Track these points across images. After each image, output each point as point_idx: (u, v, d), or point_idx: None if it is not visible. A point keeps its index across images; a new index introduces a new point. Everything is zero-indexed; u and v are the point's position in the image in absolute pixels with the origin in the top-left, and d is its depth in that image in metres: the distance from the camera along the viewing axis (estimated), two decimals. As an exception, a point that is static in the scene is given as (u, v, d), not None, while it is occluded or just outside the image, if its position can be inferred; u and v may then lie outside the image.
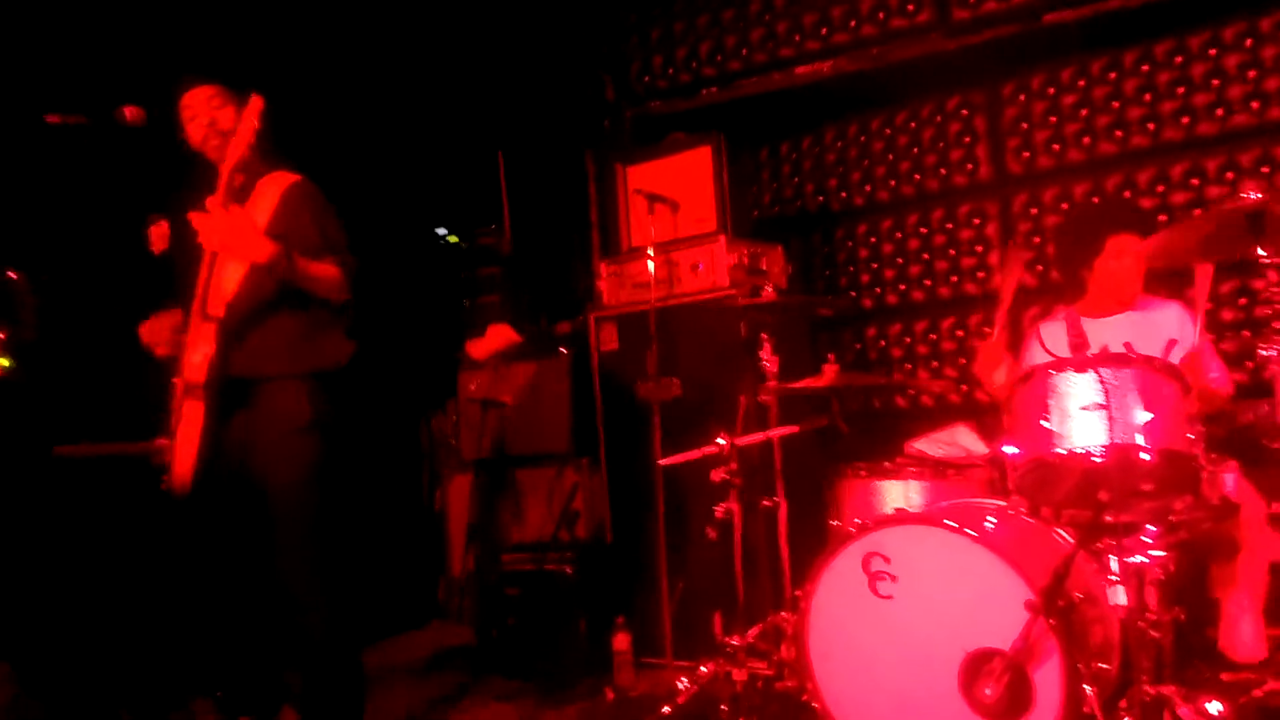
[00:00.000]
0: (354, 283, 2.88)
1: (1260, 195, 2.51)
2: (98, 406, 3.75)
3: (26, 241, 3.82)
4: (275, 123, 2.80)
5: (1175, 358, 2.60)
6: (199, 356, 2.69)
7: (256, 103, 2.72)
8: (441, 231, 5.23)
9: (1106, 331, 2.91)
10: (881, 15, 4.36)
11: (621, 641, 3.65)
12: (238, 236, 2.64)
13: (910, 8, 4.30)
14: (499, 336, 4.51)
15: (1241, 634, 2.81)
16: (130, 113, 2.74)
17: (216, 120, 2.84)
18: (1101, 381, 2.43)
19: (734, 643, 3.13)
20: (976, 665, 2.46)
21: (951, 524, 2.59)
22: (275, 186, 2.84)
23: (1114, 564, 2.52)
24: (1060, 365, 2.51)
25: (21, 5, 3.77)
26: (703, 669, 3.20)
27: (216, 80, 2.90)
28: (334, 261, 2.81)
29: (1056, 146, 4.20)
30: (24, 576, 3.52)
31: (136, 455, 2.91)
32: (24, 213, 3.81)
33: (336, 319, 2.88)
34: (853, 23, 4.42)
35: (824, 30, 4.49)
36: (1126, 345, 2.48)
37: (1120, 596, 2.48)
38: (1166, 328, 3.01)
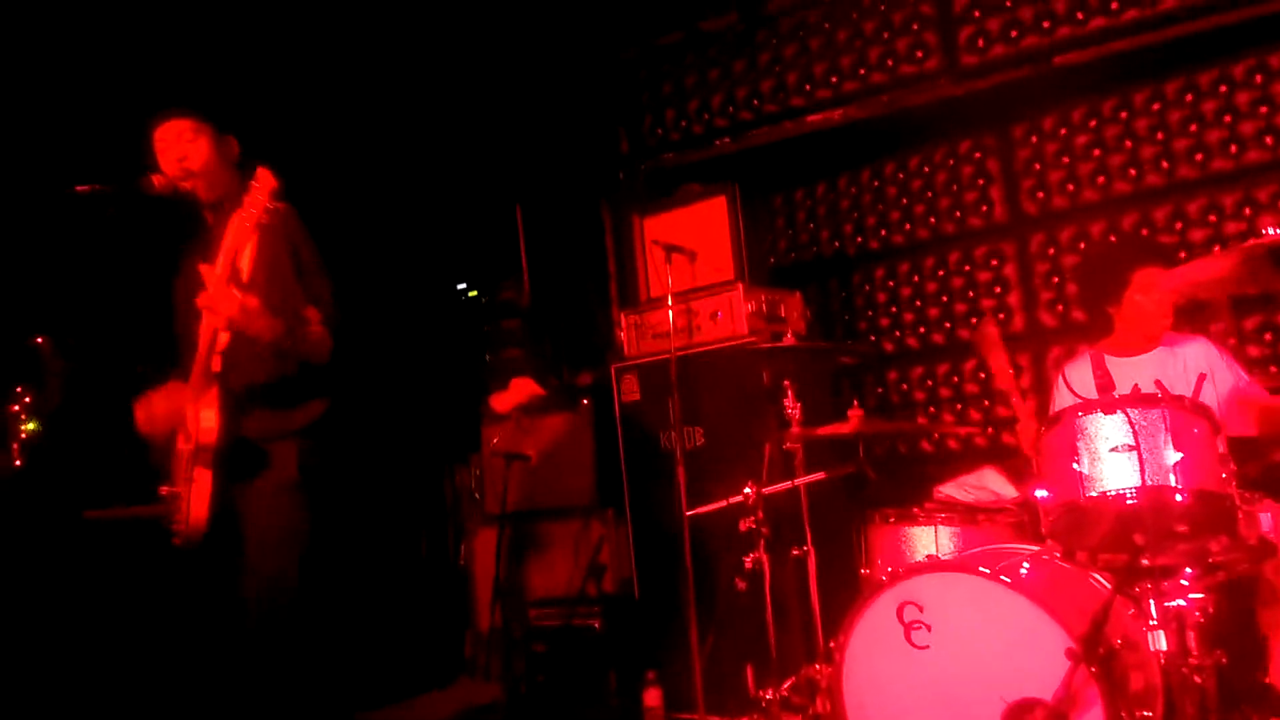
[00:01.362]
0: (340, 336, 2.85)
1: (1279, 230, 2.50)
2: (125, 469, 3.77)
3: (53, 307, 3.88)
4: (296, 181, 2.81)
5: (1208, 394, 2.58)
6: (208, 419, 2.65)
7: (233, 143, 2.76)
8: (462, 286, 5.27)
9: (1135, 370, 2.89)
10: (890, 62, 4.41)
11: (653, 697, 3.61)
12: (244, 316, 2.59)
13: (919, 54, 4.36)
14: (521, 389, 4.52)
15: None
16: (157, 181, 2.78)
17: (186, 156, 2.77)
18: (1131, 422, 2.42)
19: (767, 696, 3.09)
20: (1018, 715, 2.42)
21: (985, 571, 2.56)
22: (247, 224, 2.64)
23: (1153, 608, 2.48)
24: (1089, 407, 2.50)
25: (54, 79, 3.87)
26: (736, 724, 3.16)
27: (196, 114, 2.83)
28: (320, 320, 2.78)
29: (1071, 186, 4.22)
30: (52, 640, 3.52)
31: (162, 515, 2.91)
32: (52, 279, 3.87)
33: (321, 376, 2.87)
34: (862, 71, 4.48)
35: (834, 79, 4.54)
36: (1157, 384, 2.46)
37: (1161, 641, 2.44)
38: (1195, 364, 2.98)
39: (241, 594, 2.73)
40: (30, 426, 3.90)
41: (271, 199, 2.55)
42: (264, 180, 2.54)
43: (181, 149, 2.77)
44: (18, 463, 3.84)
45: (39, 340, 3.92)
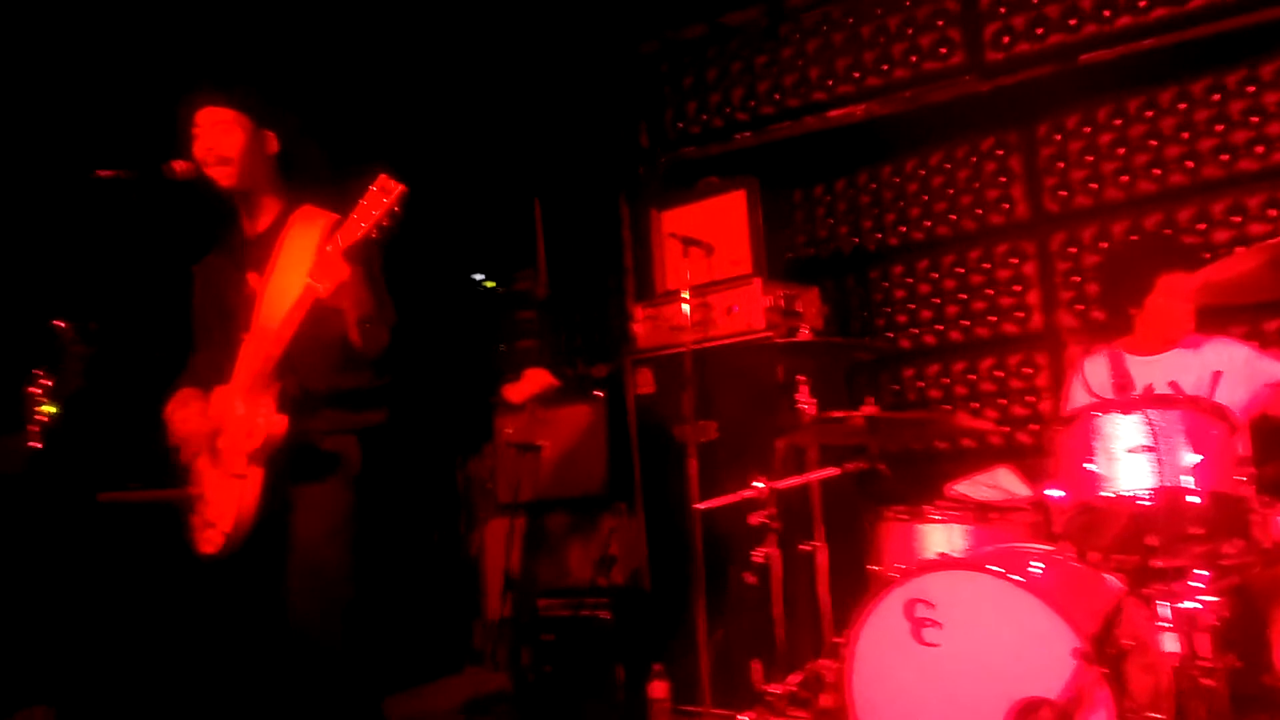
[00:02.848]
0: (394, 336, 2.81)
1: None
2: (144, 453, 3.80)
3: (75, 292, 3.91)
4: (316, 171, 2.81)
5: (1223, 394, 2.55)
6: (274, 417, 2.58)
7: (271, 138, 2.72)
8: (478, 277, 5.28)
9: (1154, 370, 2.86)
10: (914, 59, 4.38)
11: (659, 689, 3.61)
12: (352, 287, 2.50)
13: (943, 51, 4.32)
14: (535, 380, 4.53)
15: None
16: (179, 167, 2.78)
17: (216, 146, 2.71)
18: (1148, 423, 2.39)
19: (774, 691, 3.08)
20: (1025, 715, 2.40)
21: (997, 569, 2.54)
22: (314, 225, 2.69)
23: (1165, 610, 2.45)
24: (1105, 407, 2.48)
25: (78, 63, 3.90)
26: (742, 718, 3.15)
27: (238, 102, 2.76)
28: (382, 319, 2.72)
29: (1094, 185, 4.18)
30: (69, 621, 3.56)
31: (178, 501, 2.92)
32: (73, 264, 3.90)
33: (382, 386, 2.87)
34: (885, 66, 4.45)
35: (857, 74, 4.51)
36: (1172, 384, 2.44)
37: (1172, 644, 2.41)
38: (1215, 364, 2.95)
39: (290, 587, 2.68)
40: (49, 410, 3.94)
41: (398, 206, 2.43)
42: (389, 187, 2.43)
43: (215, 136, 2.73)
44: (37, 445, 3.89)
45: (60, 324, 3.96)
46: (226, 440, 2.67)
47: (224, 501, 2.64)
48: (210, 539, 2.67)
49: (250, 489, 2.60)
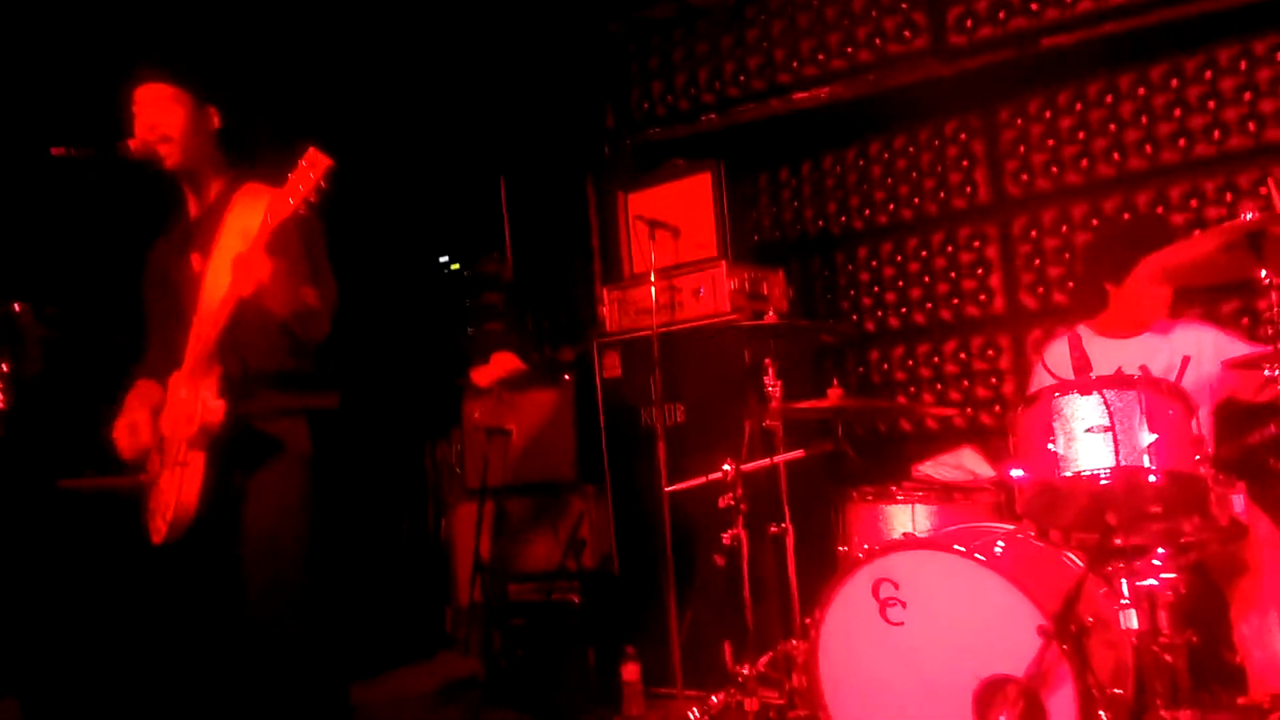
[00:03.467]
0: (351, 319, 2.78)
1: (1257, 215, 2.51)
2: (104, 439, 3.75)
3: (31, 273, 3.83)
4: (279, 151, 2.75)
5: (1191, 378, 2.60)
6: (212, 401, 2.53)
7: (214, 114, 2.67)
8: (444, 259, 5.24)
9: (1124, 353, 2.90)
10: (878, 41, 4.40)
11: (631, 672, 3.64)
12: (272, 284, 2.42)
13: (906, 34, 4.34)
14: (503, 364, 4.51)
15: (1257, 656, 2.80)
16: (134, 145, 2.72)
17: (158, 124, 2.64)
18: (1106, 404, 2.44)
19: (745, 672, 3.11)
20: (990, 692, 2.45)
21: (960, 549, 2.59)
22: (258, 202, 2.55)
23: (1125, 587, 2.51)
24: (1065, 388, 2.52)
25: (30, 40, 3.80)
26: (714, 699, 3.19)
27: (178, 78, 2.69)
28: (319, 299, 2.64)
29: (1055, 169, 4.23)
30: (30, 610, 3.50)
31: (134, 489, 2.88)
32: (29, 245, 3.82)
33: (330, 368, 2.82)
34: (850, 49, 4.46)
35: (821, 56, 4.52)
36: (1142, 368, 2.48)
37: (1132, 620, 2.47)
38: (1184, 349, 3.00)
39: (245, 575, 2.64)
40: (6, 395, 3.86)
41: (325, 181, 2.34)
42: (316, 161, 2.35)
43: (155, 114, 2.66)
44: (-3, 431, 3.81)
45: (16, 307, 3.87)
46: (169, 427, 2.64)
47: (169, 489, 2.60)
48: (156, 528, 2.63)
49: (192, 476, 2.55)
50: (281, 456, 2.67)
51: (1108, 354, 2.77)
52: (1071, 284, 4.05)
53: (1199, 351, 2.97)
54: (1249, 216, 2.48)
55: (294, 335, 2.65)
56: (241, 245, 2.47)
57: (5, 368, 3.78)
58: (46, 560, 3.61)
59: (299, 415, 2.72)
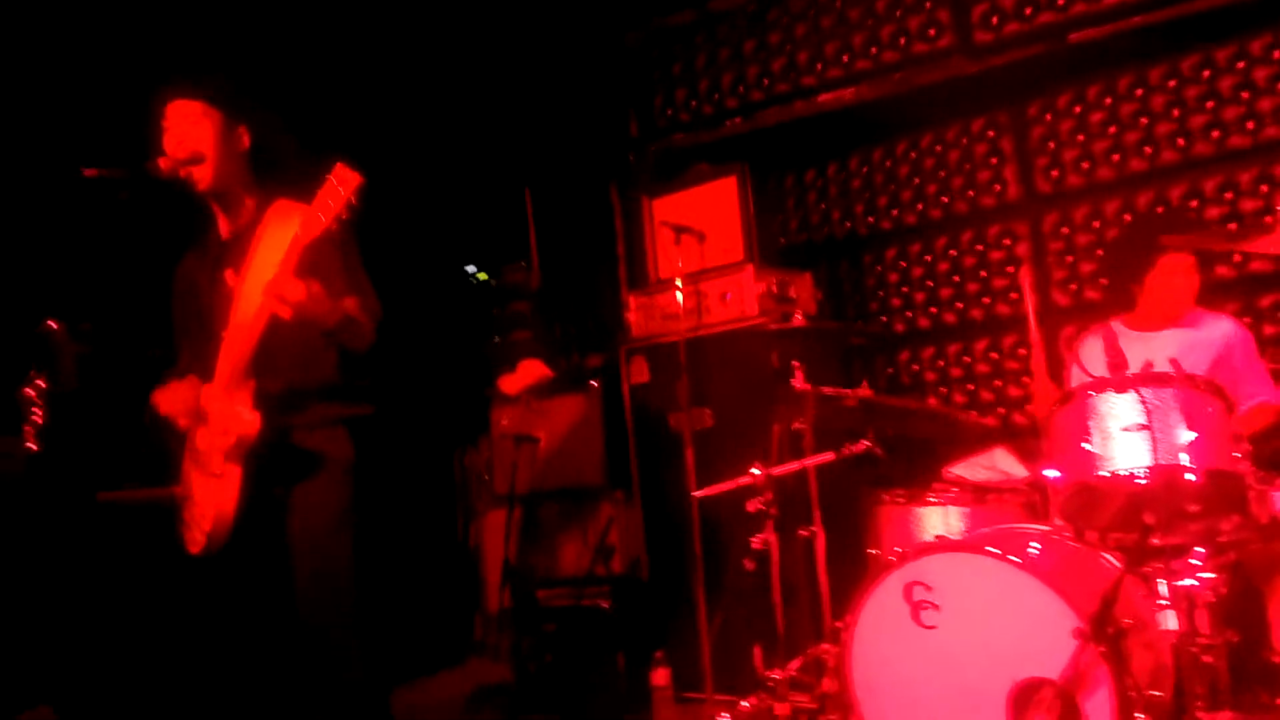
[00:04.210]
0: (380, 330, 2.76)
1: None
2: (141, 453, 3.79)
3: (66, 291, 3.89)
4: (293, 165, 2.76)
5: (1223, 372, 2.55)
6: (248, 414, 2.56)
7: (244, 133, 2.68)
8: (471, 269, 5.27)
9: (1154, 346, 2.86)
10: (903, 41, 4.37)
11: (661, 677, 3.62)
12: (311, 303, 2.43)
13: (931, 32, 4.31)
14: (530, 371, 4.52)
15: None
16: (164, 164, 2.75)
17: (187, 140, 2.64)
18: (1143, 401, 2.39)
19: (775, 676, 3.09)
20: (1025, 695, 2.41)
21: (995, 551, 2.55)
22: (289, 219, 2.57)
23: (1163, 588, 2.46)
24: (1100, 386, 2.48)
25: (64, 63, 3.87)
26: (744, 704, 3.16)
27: (207, 94, 2.70)
28: (360, 309, 2.67)
29: (1086, 164, 4.17)
30: (67, 620, 3.55)
31: (171, 501, 2.91)
32: (64, 264, 3.88)
33: (362, 368, 2.84)
34: (874, 49, 4.43)
35: (845, 58, 4.50)
36: (1172, 362, 2.44)
37: (1171, 621, 2.43)
38: (1216, 343, 2.95)
39: (296, 585, 2.66)
40: (44, 411, 3.92)
41: (355, 197, 2.36)
42: (345, 177, 2.36)
43: (185, 130, 2.68)
44: (34, 447, 3.87)
45: (52, 324, 3.93)
46: (205, 439, 2.65)
47: (205, 501, 2.62)
48: (194, 539, 2.66)
49: (229, 488, 2.57)
50: (325, 466, 2.70)
51: (1139, 348, 2.72)
52: (1104, 280, 4.00)
53: (1227, 345, 2.91)
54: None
55: (341, 346, 2.68)
56: (275, 262, 2.48)
57: (43, 384, 3.83)
58: (85, 571, 3.66)
59: (339, 424, 2.75)
